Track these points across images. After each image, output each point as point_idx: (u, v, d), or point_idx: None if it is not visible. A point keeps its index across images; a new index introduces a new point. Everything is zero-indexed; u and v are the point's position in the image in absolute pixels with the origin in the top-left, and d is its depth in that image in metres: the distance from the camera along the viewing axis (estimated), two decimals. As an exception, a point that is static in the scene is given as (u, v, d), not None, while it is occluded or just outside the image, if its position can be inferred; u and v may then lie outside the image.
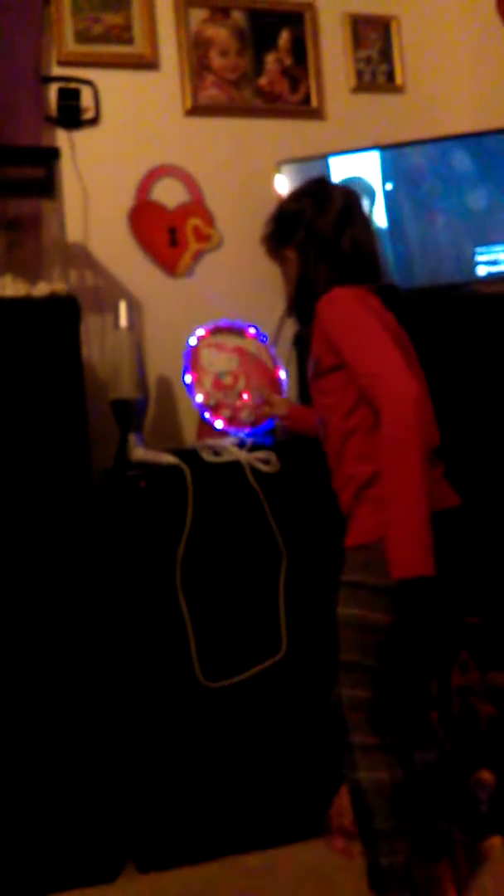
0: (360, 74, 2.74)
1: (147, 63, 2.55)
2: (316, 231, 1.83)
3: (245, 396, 2.30)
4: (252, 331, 2.44)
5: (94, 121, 2.50)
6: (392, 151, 2.41)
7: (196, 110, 2.59)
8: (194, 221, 2.58)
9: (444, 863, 1.81)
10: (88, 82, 2.48)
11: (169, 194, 2.57)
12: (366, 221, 1.89)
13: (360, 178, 2.40)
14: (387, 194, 2.40)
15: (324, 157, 2.44)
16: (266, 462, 2.14)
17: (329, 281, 1.80)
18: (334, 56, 2.72)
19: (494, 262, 2.40)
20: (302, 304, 1.88)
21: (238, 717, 2.10)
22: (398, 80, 2.77)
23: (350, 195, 1.89)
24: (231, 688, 2.08)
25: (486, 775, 2.07)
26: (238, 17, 2.62)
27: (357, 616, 1.68)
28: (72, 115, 2.45)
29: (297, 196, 1.92)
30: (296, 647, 2.13)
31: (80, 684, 2.00)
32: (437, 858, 1.81)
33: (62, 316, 2.01)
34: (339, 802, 2.11)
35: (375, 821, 1.66)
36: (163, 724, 2.06)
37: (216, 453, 2.15)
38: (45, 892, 1.96)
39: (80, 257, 2.46)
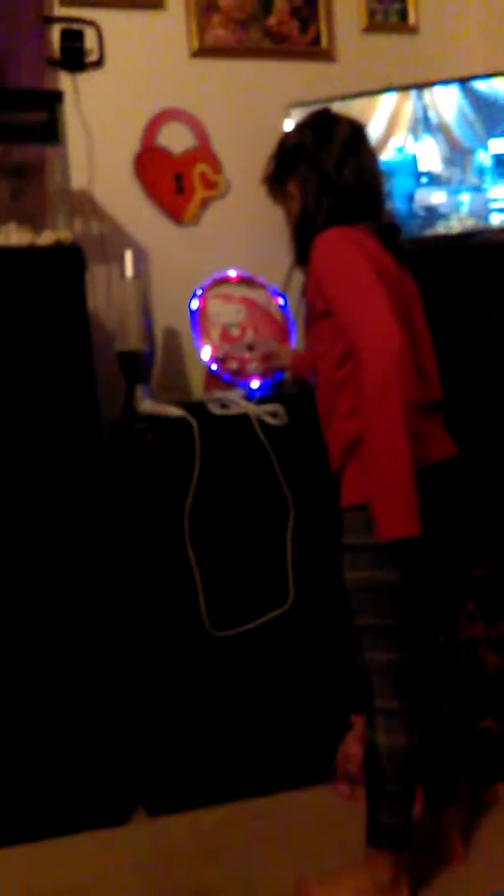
0: (372, 14, 2.65)
1: (152, 3, 2.47)
2: (318, 162, 1.74)
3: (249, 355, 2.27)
4: (260, 281, 2.40)
5: (98, 63, 2.44)
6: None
7: (202, 52, 2.51)
8: (201, 167, 2.53)
9: (450, 811, 1.83)
10: (92, 23, 2.41)
11: (175, 139, 2.51)
12: (372, 155, 1.79)
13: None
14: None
15: (334, 100, 2.37)
16: (274, 415, 2.12)
17: (330, 215, 1.71)
18: (346, -6, 2.64)
19: None
20: (302, 240, 1.78)
21: (245, 665, 2.13)
22: (411, 19, 2.68)
23: (356, 126, 1.80)
24: (238, 637, 2.10)
25: (492, 724, 2.09)
26: (246, -47, 2.53)
27: (366, 578, 1.64)
28: (75, 57, 2.38)
29: (298, 128, 1.84)
30: (302, 598, 2.14)
31: (91, 633, 2.03)
32: (445, 806, 1.83)
33: (67, 265, 1.98)
34: (343, 749, 2.14)
35: (385, 783, 1.64)
36: (171, 671, 2.09)
37: (224, 406, 2.14)
38: (57, 835, 2.00)
39: (84, 205, 2.41)
